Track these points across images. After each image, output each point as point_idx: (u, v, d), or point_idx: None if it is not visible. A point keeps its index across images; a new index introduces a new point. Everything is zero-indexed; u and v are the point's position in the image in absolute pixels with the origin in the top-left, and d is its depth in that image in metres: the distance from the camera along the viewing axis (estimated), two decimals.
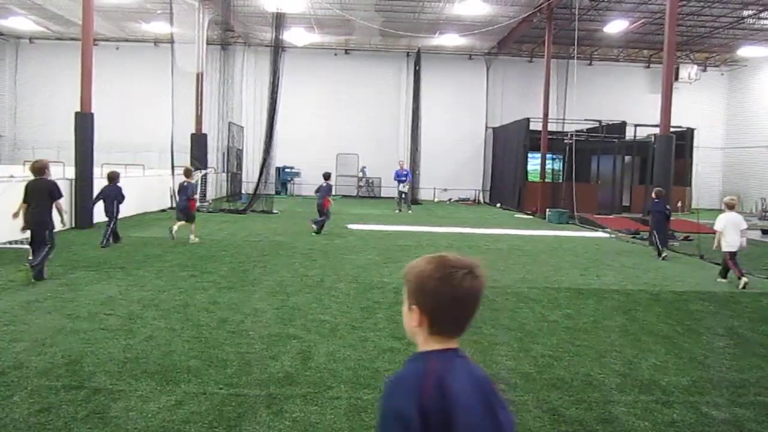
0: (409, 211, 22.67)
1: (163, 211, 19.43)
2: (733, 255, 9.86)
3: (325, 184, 14.81)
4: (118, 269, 9.22)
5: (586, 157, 25.92)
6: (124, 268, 9.35)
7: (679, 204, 24.47)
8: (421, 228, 16.98)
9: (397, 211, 22.65)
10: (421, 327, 1.62)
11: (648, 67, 31.63)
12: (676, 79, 27.94)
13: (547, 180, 24.75)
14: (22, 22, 27.25)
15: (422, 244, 13.49)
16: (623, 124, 26.43)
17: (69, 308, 6.79)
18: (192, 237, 12.39)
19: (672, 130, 15.63)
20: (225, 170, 25.66)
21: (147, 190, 18.91)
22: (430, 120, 29.89)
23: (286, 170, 30.08)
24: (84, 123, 14.45)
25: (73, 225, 13.46)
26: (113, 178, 11.69)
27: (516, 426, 1.70)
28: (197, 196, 14.11)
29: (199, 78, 22.91)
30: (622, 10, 23.69)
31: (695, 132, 27.59)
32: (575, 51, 22.01)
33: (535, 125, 24.70)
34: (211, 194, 22.97)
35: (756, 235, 18.22)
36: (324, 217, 14.53)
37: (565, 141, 23.31)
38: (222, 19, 23.34)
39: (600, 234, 17.57)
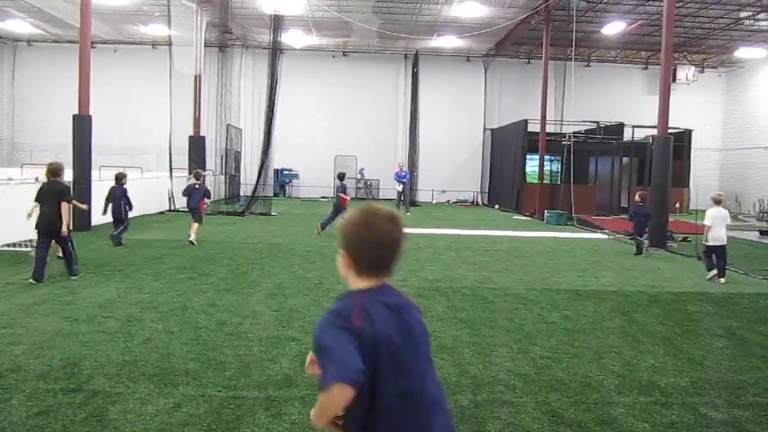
0: (408, 213, 22.68)
1: (162, 213, 19.41)
2: (720, 249, 10.14)
3: (339, 184, 15.37)
4: (116, 272, 9.21)
5: (584, 159, 25.95)
6: (122, 270, 9.34)
7: (677, 205, 24.52)
8: (419, 230, 16.97)
9: None
10: (350, 269, 1.84)
11: (645, 68, 31.70)
12: (674, 80, 27.98)
13: (545, 181, 24.77)
14: (20, 25, 27.22)
15: (420, 246, 13.48)
16: (621, 126, 26.46)
17: (67, 311, 6.78)
18: (191, 235, 12.57)
19: (670, 131, 15.62)
20: (223, 172, 25.65)
21: (145, 193, 18.88)
22: (428, 122, 29.91)
23: (285, 172, 30.08)
24: (82, 125, 14.45)
25: (71, 228, 13.41)
26: (119, 178, 12.03)
27: (428, 336, 1.94)
28: (208, 201, 14.43)
29: (197, 80, 22.91)
30: (620, 12, 23.73)
31: (693, 133, 27.66)
32: (573, 52, 22.01)
33: (533, 127, 24.73)
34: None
35: (754, 236, 18.28)
36: (335, 215, 14.86)
37: (563, 142, 23.34)
38: (220, 21, 23.34)
39: (598, 235, 17.59)
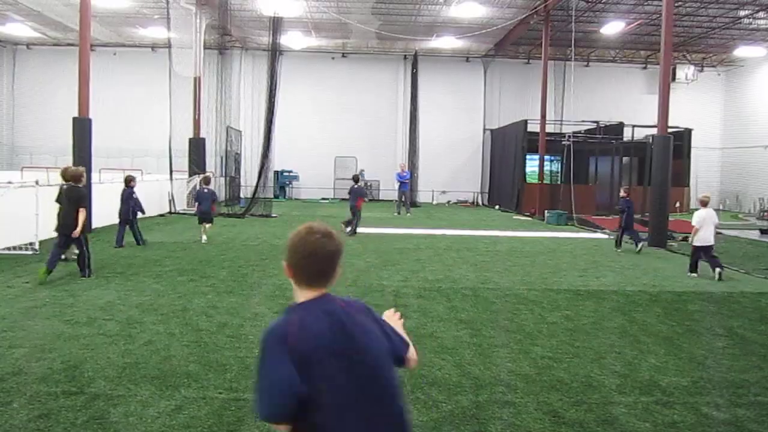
0: (408, 214, 22.68)
1: (162, 216, 19.41)
2: (708, 249, 10.39)
3: (356, 187, 15.59)
4: (116, 274, 9.22)
5: (584, 159, 25.95)
6: (122, 273, 9.35)
7: (677, 204, 24.53)
8: (420, 231, 16.98)
9: (396, 213, 22.68)
10: (292, 281, 1.97)
11: (645, 68, 31.70)
12: (673, 79, 28.00)
13: (545, 181, 24.77)
14: (19, 29, 27.26)
15: (421, 246, 13.48)
16: (621, 125, 26.46)
17: (68, 314, 6.78)
18: (204, 237, 13.31)
19: (669, 130, 15.62)
20: (223, 174, 25.65)
21: (145, 195, 18.85)
22: (427, 122, 29.93)
23: (285, 174, 30.07)
24: (82, 128, 14.45)
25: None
26: (127, 181, 12.52)
27: (383, 335, 1.99)
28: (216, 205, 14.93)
29: (197, 82, 22.92)
30: (619, 12, 23.73)
31: (692, 132, 27.65)
32: (572, 52, 22.00)
33: (533, 127, 24.73)
34: None
35: (755, 234, 18.27)
36: (355, 217, 15.25)
37: (563, 142, 23.33)
38: (219, 23, 23.33)
39: (598, 235, 17.58)
